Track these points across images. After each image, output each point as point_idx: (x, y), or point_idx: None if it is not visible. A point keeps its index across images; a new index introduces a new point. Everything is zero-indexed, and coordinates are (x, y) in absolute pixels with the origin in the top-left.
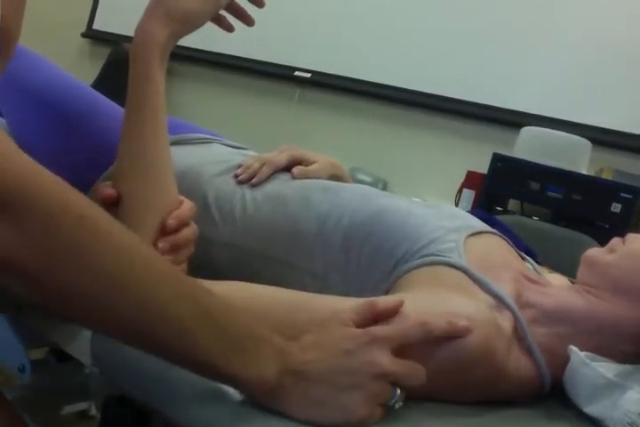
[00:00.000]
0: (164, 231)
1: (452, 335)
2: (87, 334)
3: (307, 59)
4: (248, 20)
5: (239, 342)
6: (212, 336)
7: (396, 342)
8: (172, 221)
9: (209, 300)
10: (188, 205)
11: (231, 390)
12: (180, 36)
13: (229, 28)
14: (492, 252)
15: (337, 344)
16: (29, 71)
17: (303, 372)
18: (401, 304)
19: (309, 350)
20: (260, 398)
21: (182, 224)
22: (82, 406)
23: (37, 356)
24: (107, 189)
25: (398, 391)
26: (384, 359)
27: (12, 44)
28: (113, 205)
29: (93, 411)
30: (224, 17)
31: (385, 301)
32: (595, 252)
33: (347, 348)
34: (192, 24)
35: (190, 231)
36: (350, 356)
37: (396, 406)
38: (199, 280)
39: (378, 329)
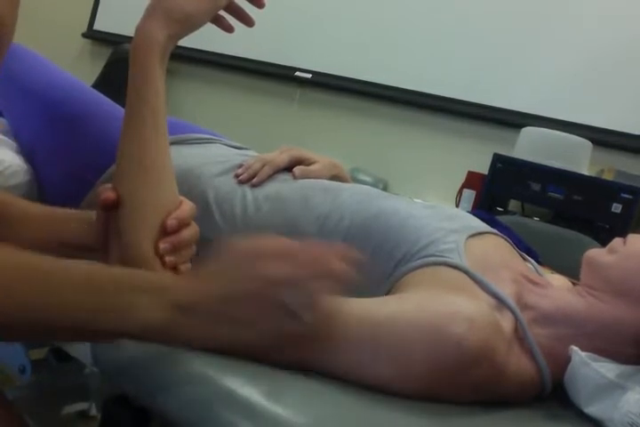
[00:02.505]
0: (164, 232)
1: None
2: None
3: (307, 59)
4: (247, 21)
5: (110, 300)
6: (78, 303)
7: (282, 250)
8: (172, 222)
9: (56, 269)
10: (188, 206)
11: (234, 392)
12: (180, 36)
13: (229, 29)
14: (493, 252)
15: (227, 269)
16: (30, 71)
17: (193, 302)
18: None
19: (195, 280)
20: (163, 343)
21: (183, 224)
22: (82, 405)
23: (37, 356)
24: (107, 191)
25: (299, 297)
26: (273, 270)
27: (6, 41)
28: (113, 208)
29: (93, 411)
30: (223, 17)
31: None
32: (595, 252)
33: (235, 270)
34: (191, 25)
35: (191, 232)
36: (240, 276)
37: (300, 310)
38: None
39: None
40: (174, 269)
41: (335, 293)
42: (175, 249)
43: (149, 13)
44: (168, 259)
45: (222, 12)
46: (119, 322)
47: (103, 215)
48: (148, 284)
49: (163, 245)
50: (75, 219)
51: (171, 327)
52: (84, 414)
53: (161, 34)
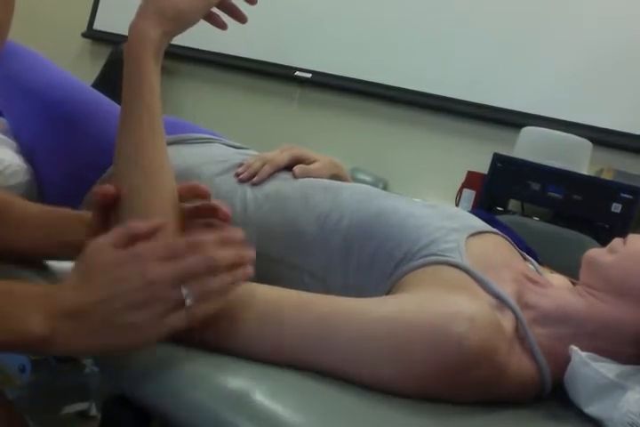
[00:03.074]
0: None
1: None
2: None
3: (307, 59)
4: (240, 18)
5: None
6: None
7: (161, 252)
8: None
9: None
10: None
11: (234, 392)
12: (174, 34)
13: (222, 26)
14: (494, 252)
15: (103, 272)
16: (30, 71)
17: (76, 310)
18: (159, 225)
19: (77, 286)
20: (46, 352)
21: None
22: (82, 406)
23: (37, 356)
24: (105, 187)
25: (184, 291)
26: (151, 270)
27: (2, 38)
28: (112, 205)
29: (93, 411)
30: (217, 15)
31: (141, 224)
32: (595, 252)
33: (113, 272)
34: (184, 22)
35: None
36: (118, 279)
37: (187, 301)
38: None
39: (138, 246)
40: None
41: (227, 281)
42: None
43: (142, 12)
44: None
45: (215, 10)
46: (8, 332)
47: (100, 215)
48: (33, 295)
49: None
50: (74, 218)
51: (56, 336)
52: (83, 415)
53: (154, 32)
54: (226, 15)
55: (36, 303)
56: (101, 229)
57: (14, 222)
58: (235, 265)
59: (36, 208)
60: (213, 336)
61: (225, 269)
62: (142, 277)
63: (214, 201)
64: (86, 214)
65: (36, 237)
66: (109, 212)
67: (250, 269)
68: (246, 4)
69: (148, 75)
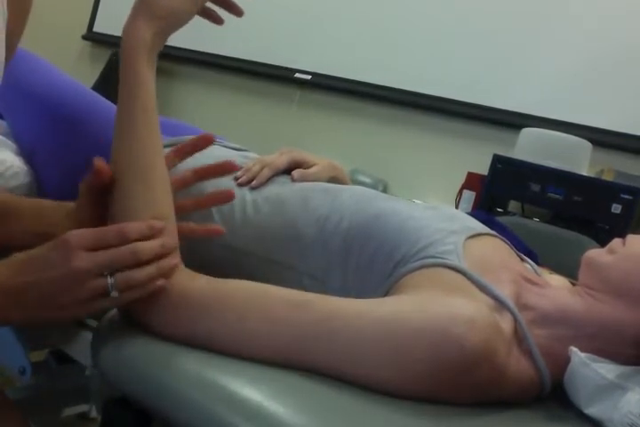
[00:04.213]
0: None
1: (150, 237)
2: (88, 335)
3: (307, 60)
4: (236, 11)
5: None
6: None
7: (90, 241)
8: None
9: None
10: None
11: (234, 393)
12: (168, 33)
13: (218, 21)
14: (492, 254)
15: (37, 255)
16: (30, 74)
17: (8, 287)
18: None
19: (14, 266)
20: None
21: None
22: (82, 408)
23: (38, 358)
24: (103, 164)
25: (110, 281)
26: (77, 259)
27: (14, 46)
28: (105, 186)
29: (94, 413)
30: (211, 10)
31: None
32: (595, 253)
33: (44, 257)
34: (178, 20)
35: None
36: (46, 264)
37: (113, 293)
38: None
39: (70, 234)
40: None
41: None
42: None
43: (135, 12)
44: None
45: (210, 5)
46: None
47: (89, 198)
48: None
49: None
50: (62, 210)
51: None
52: (84, 416)
53: (147, 33)
54: (222, 10)
55: None
56: (87, 215)
57: (9, 219)
58: (159, 256)
59: (27, 203)
60: (209, 335)
61: (150, 261)
62: (69, 264)
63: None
64: (68, 204)
65: (27, 230)
66: (97, 197)
67: (175, 259)
68: (245, 4)
69: (142, 76)
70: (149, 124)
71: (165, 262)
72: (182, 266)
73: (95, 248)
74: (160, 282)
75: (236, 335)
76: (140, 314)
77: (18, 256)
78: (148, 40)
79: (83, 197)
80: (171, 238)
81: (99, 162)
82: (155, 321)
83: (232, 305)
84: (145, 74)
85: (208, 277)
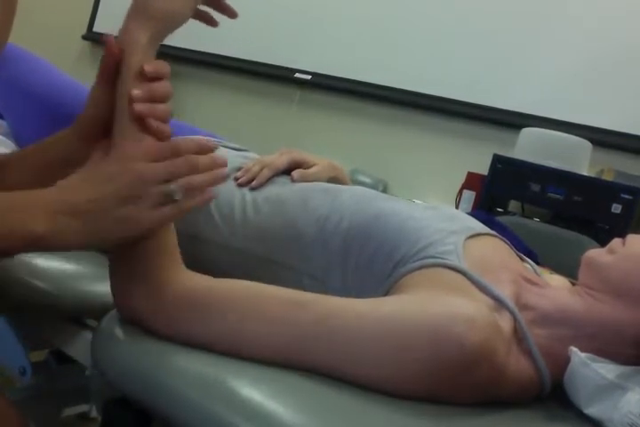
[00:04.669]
0: (138, 79)
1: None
2: (88, 335)
3: (307, 60)
4: (230, 13)
5: (3, 218)
6: None
7: (148, 152)
8: (149, 68)
9: None
10: (163, 63)
11: (234, 393)
12: (163, 35)
13: (213, 23)
14: (491, 254)
15: (96, 172)
16: (30, 74)
17: (72, 207)
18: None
19: (73, 186)
20: (46, 249)
21: (160, 74)
22: (82, 408)
23: (38, 358)
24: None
25: (173, 187)
26: (142, 168)
27: (2, 40)
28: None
29: (94, 413)
30: (206, 12)
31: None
32: (594, 253)
33: (105, 172)
34: (172, 22)
35: (166, 85)
36: (110, 178)
37: (178, 196)
38: None
39: (127, 147)
40: (143, 123)
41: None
42: (150, 97)
43: (130, 15)
44: (138, 107)
45: (205, 7)
46: (8, 239)
47: (104, 79)
48: (33, 197)
49: (135, 92)
50: (61, 138)
51: (55, 233)
52: (84, 417)
53: (143, 35)
54: (217, 13)
55: (35, 205)
56: (104, 97)
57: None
58: (212, 167)
59: (29, 150)
60: (209, 336)
61: (204, 170)
62: (134, 174)
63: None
64: (71, 129)
65: (39, 167)
66: (113, 77)
67: (225, 171)
68: (245, 5)
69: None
70: None
71: (218, 172)
72: (183, 266)
73: (153, 160)
74: (212, 193)
75: (236, 336)
76: (141, 314)
77: (73, 177)
78: (144, 43)
79: (99, 83)
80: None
81: (106, 38)
82: (155, 321)
83: (232, 305)
84: None
85: (208, 277)
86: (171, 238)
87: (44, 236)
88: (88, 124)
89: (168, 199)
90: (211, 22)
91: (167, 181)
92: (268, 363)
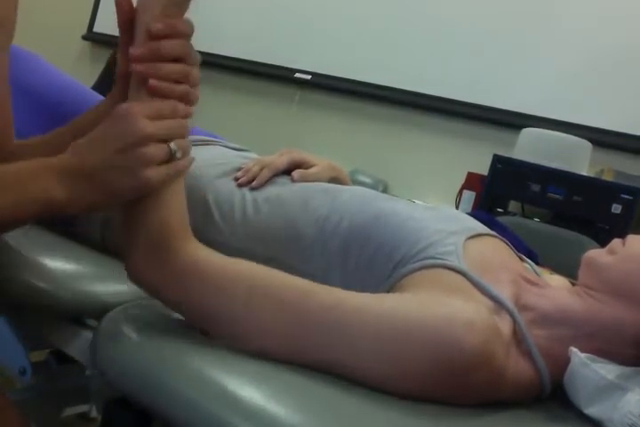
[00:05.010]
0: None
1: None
2: (88, 335)
3: (307, 60)
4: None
5: (20, 187)
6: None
7: (150, 110)
8: (156, 26)
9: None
10: (180, 21)
11: (234, 393)
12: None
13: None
14: (491, 254)
15: (101, 136)
16: (29, 73)
17: (86, 169)
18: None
19: (82, 150)
20: (65, 212)
21: (172, 33)
22: (82, 408)
23: (38, 358)
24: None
25: (172, 145)
26: (140, 125)
27: (7, 41)
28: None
29: (94, 413)
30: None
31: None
32: (594, 253)
33: (111, 131)
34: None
35: (176, 43)
36: (116, 137)
37: (177, 155)
38: None
39: (129, 105)
40: (145, 84)
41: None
42: (150, 57)
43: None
44: (138, 67)
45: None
46: (31, 206)
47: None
48: (49, 165)
49: (132, 50)
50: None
51: (72, 196)
52: (84, 417)
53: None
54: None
55: (52, 172)
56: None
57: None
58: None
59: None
60: (216, 312)
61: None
62: (136, 130)
63: None
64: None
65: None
66: (130, 33)
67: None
68: (245, 5)
69: None
70: None
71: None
72: (194, 238)
73: (153, 118)
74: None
75: (242, 316)
76: (152, 277)
77: (78, 142)
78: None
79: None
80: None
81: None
82: (165, 287)
83: (242, 286)
84: None
85: (221, 254)
86: (182, 209)
87: (64, 201)
88: (88, 125)
89: (167, 157)
90: None
91: (165, 140)
92: (270, 351)
